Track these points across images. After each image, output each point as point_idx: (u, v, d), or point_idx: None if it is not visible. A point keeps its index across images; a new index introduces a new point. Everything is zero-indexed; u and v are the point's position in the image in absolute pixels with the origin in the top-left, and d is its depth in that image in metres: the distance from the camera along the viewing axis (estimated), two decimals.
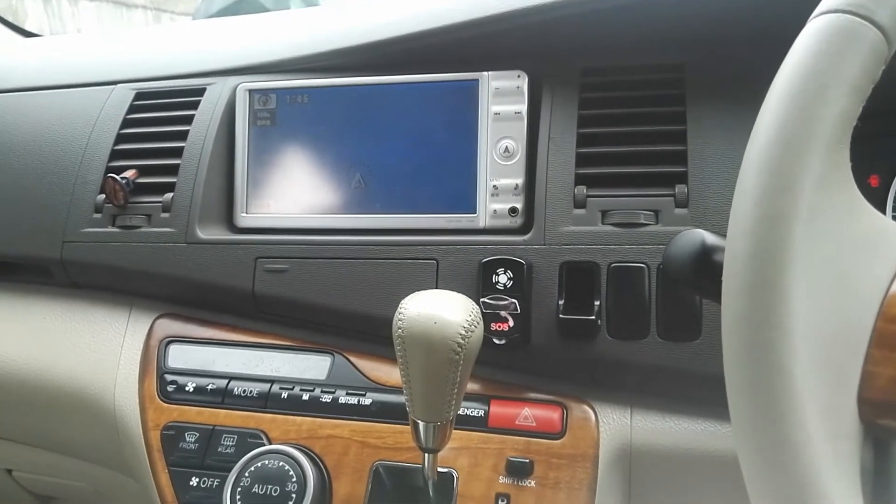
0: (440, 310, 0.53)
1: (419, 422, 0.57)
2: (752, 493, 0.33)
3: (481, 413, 0.65)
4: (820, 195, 0.34)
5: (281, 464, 0.63)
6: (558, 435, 0.64)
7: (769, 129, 0.35)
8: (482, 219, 0.72)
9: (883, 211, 0.72)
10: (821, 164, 0.34)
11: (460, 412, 0.65)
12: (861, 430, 0.33)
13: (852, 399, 0.33)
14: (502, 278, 0.65)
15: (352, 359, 0.70)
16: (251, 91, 0.79)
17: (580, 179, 0.67)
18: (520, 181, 0.71)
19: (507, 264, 0.65)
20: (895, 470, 0.36)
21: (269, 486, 0.62)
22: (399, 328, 0.53)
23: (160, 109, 0.82)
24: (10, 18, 1.30)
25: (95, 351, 0.76)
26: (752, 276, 0.34)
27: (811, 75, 0.35)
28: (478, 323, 0.54)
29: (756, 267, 0.34)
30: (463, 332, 0.52)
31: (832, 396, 0.33)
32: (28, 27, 1.35)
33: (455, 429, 0.65)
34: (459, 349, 0.52)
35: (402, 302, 0.54)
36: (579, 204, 0.66)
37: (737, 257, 0.34)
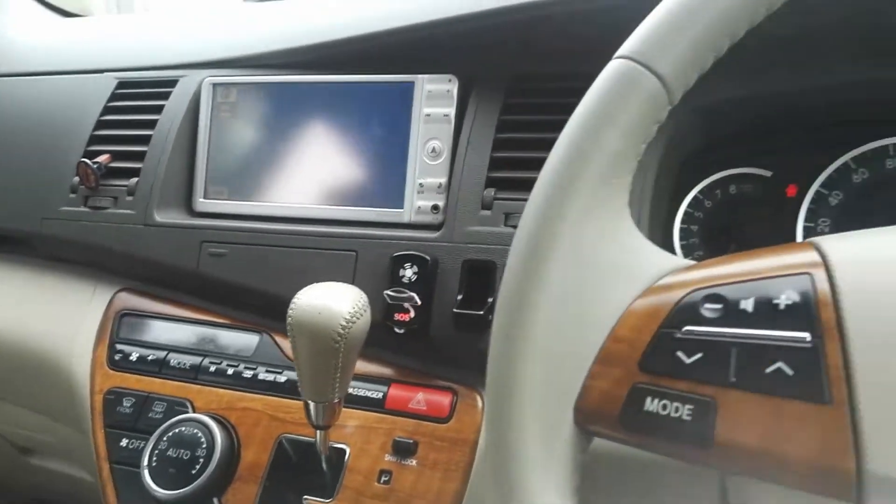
0: (327, 301, 0.57)
1: (309, 401, 0.62)
2: (488, 478, 0.37)
3: (380, 395, 0.70)
4: (581, 227, 0.37)
5: (195, 431, 0.69)
6: (445, 419, 0.67)
7: (549, 163, 0.38)
8: (408, 214, 0.75)
9: (795, 218, 0.72)
10: (585, 198, 0.37)
11: (361, 393, 0.70)
12: (575, 433, 0.36)
13: (570, 407, 0.36)
14: (408, 272, 0.69)
15: (277, 339, 0.76)
16: (215, 84, 0.85)
17: (491, 182, 0.70)
18: (443, 180, 0.74)
19: (414, 259, 0.69)
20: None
21: (182, 451, 0.68)
22: (290, 317, 0.58)
23: (137, 98, 0.89)
24: None
25: (61, 319, 0.84)
26: (510, 296, 0.37)
27: (590, 116, 0.38)
28: (361, 314, 0.58)
29: (515, 288, 0.37)
30: (344, 323, 0.56)
31: (554, 404, 0.36)
32: None
33: (355, 408, 0.70)
34: (339, 338, 0.56)
35: (298, 293, 0.58)
36: (486, 205, 0.69)
37: (506, 278, 0.38)
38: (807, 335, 0.32)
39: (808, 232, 0.72)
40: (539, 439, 0.35)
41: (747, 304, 0.35)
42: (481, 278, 0.68)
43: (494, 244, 0.68)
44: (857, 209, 0.71)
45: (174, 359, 0.77)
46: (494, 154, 0.71)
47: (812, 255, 0.35)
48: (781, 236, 0.72)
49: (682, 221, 0.76)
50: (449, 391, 0.68)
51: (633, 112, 0.37)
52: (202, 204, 0.85)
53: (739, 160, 0.75)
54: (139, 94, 0.89)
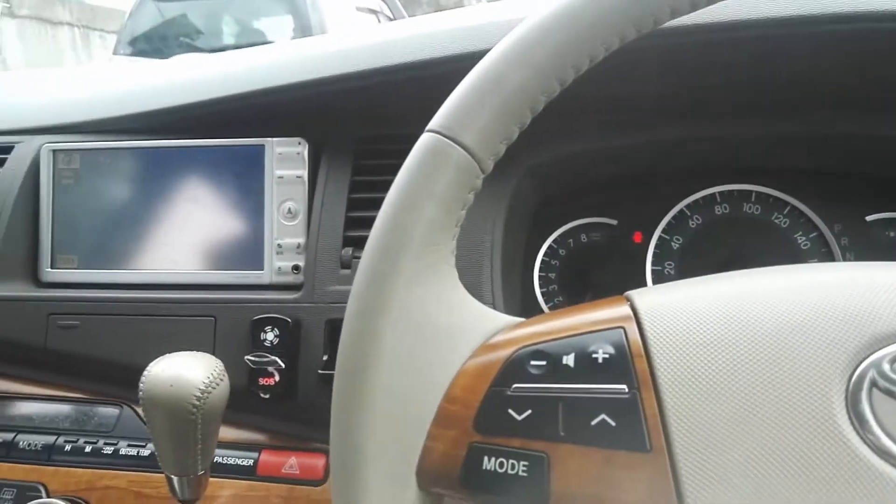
0: (179, 371, 0.57)
1: (171, 476, 0.61)
2: None
3: (251, 462, 0.70)
4: (409, 291, 0.40)
5: None
6: (320, 481, 0.68)
7: (372, 234, 0.41)
8: (268, 275, 0.76)
9: (644, 262, 0.80)
10: (410, 264, 0.40)
11: (231, 462, 0.70)
12: (421, 496, 0.39)
13: (412, 471, 0.39)
14: (269, 335, 0.70)
15: (138, 411, 0.74)
16: (55, 151, 0.82)
17: (348, 241, 0.72)
18: (301, 240, 0.76)
19: (275, 322, 0.70)
20: None
21: None
22: (141, 391, 0.57)
23: None
24: None
25: None
26: (344, 363, 0.39)
27: (405, 188, 0.40)
28: (217, 383, 0.58)
29: (349, 355, 0.39)
30: (198, 394, 0.56)
31: (398, 469, 0.38)
32: None
33: (226, 478, 0.69)
34: (195, 409, 0.56)
35: (149, 365, 0.58)
36: (345, 265, 0.71)
37: (340, 347, 0.40)
38: (624, 387, 0.36)
39: (656, 275, 0.80)
40: None
41: (569, 360, 0.38)
42: None
43: None
44: (697, 251, 0.79)
45: (23, 440, 0.73)
46: (349, 214, 0.73)
47: (625, 309, 0.40)
48: (633, 279, 0.79)
49: (540, 270, 0.81)
50: (322, 453, 0.69)
51: (444, 183, 0.40)
52: (50, 274, 0.81)
53: (587, 210, 0.82)
54: None
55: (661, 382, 0.36)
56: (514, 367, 0.39)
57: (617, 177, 0.81)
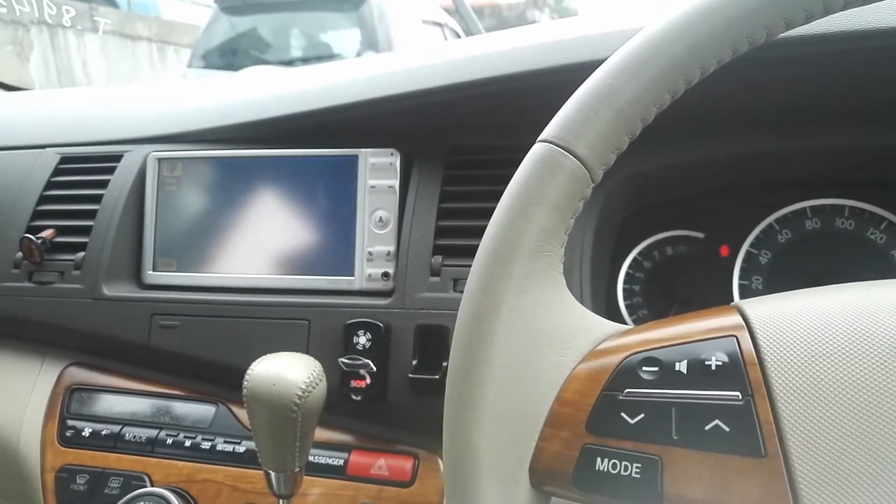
0: (281, 371, 0.60)
1: (270, 471, 0.64)
2: None
3: (341, 462, 0.72)
4: (519, 296, 0.41)
5: None
6: (408, 483, 0.70)
7: (484, 240, 0.42)
8: (358, 281, 0.79)
9: (730, 277, 0.79)
10: (521, 270, 0.41)
11: (322, 461, 0.72)
12: (532, 494, 0.40)
13: (525, 469, 0.40)
14: (362, 339, 0.72)
15: (233, 409, 0.77)
16: (160, 159, 0.87)
17: (437, 250, 0.74)
18: (392, 248, 0.78)
19: (366, 326, 0.72)
20: None
21: None
22: (245, 388, 0.60)
23: (81, 174, 0.90)
24: (15, 51, 1.36)
25: (7, 396, 0.83)
26: (457, 364, 0.41)
27: (518, 196, 0.42)
28: (317, 384, 0.61)
29: (462, 356, 0.41)
30: (300, 393, 0.59)
31: (509, 467, 0.39)
32: (33, 59, 1.41)
33: (317, 476, 0.72)
34: (296, 408, 0.59)
35: (252, 364, 0.61)
36: (435, 272, 0.73)
37: (453, 348, 0.41)
38: (738, 394, 0.37)
39: (743, 289, 0.79)
40: (498, 502, 0.39)
41: (682, 366, 0.39)
42: (434, 343, 0.71)
43: (445, 309, 0.71)
44: (785, 267, 0.78)
45: (129, 432, 0.77)
46: (439, 223, 0.75)
47: (736, 319, 0.40)
48: (719, 293, 0.79)
49: (625, 282, 0.82)
50: (410, 456, 0.71)
51: (557, 191, 0.41)
52: (151, 276, 0.86)
53: (674, 222, 0.82)
54: (83, 168, 0.90)
55: (776, 390, 0.36)
56: (626, 373, 0.40)
57: (705, 189, 0.81)
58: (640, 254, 0.82)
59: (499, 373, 0.40)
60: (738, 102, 0.72)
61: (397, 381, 0.71)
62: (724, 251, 0.81)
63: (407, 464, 0.71)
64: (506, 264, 0.41)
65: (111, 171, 0.88)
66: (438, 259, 0.74)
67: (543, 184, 0.42)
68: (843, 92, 0.70)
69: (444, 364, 0.70)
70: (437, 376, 0.69)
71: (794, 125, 0.72)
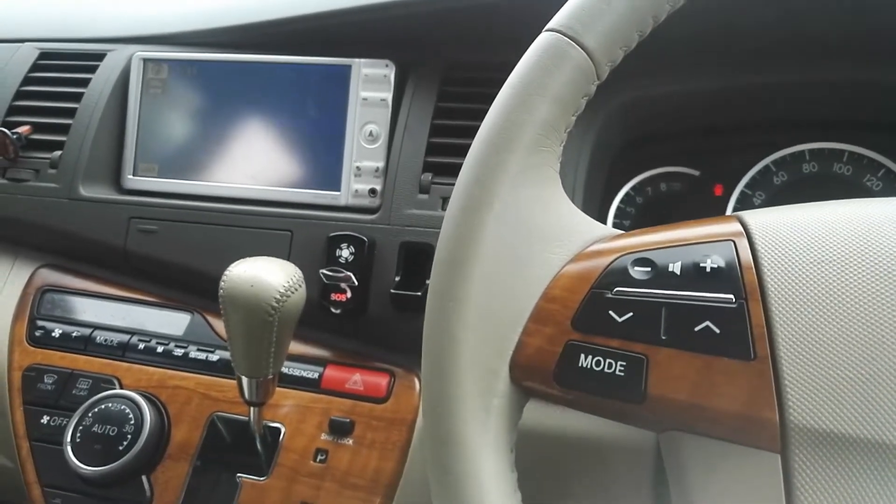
0: (260, 273, 0.58)
1: (242, 377, 0.62)
2: (423, 436, 0.39)
3: (316, 375, 0.70)
4: (514, 190, 0.39)
5: (122, 407, 0.68)
6: (382, 399, 0.69)
7: (482, 129, 0.40)
8: (344, 197, 0.76)
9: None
10: (518, 162, 0.39)
11: (296, 373, 0.71)
12: (511, 389, 0.38)
13: (505, 363, 0.38)
14: (345, 252, 0.70)
15: (208, 318, 0.75)
16: (146, 60, 0.83)
17: (428, 167, 0.72)
18: (381, 164, 0.76)
19: (350, 240, 0.70)
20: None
21: (108, 427, 0.67)
22: (222, 289, 0.58)
23: (60, 70, 0.86)
24: None
25: None
26: (445, 255, 0.39)
27: (520, 85, 0.40)
28: (296, 289, 0.59)
29: (449, 248, 0.39)
30: (278, 296, 0.57)
31: (490, 361, 0.38)
32: None
33: (290, 388, 0.70)
34: (273, 311, 0.57)
35: (230, 266, 0.59)
36: (423, 189, 0.71)
37: (441, 238, 0.40)
38: (731, 296, 0.36)
39: None
40: (476, 395, 0.37)
41: (675, 268, 0.38)
42: (418, 261, 0.69)
43: (432, 227, 0.70)
44: None
45: (100, 335, 0.75)
46: (431, 140, 0.73)
47: (735, 226, 0.39)
48: None
49: (615, 217, 0.80)
50: (386, 372, 0.70)
51: (561, 83, 0.39)
52: (131, 181, 0.83)
53: (669, 159, 0.80)
54: (63, 65, 0.87)
55: (770, 294, 0.35)
56: (617, 272, 0.39)
57: (703, 126, 0.79)
58: (633, 188, 0.81)
59: (486, 266, 0.38)
60: (742, 32, 0.70)
61: (378, 297, 0.70)
62: (719, 190, 0.79)
63: (382, 380, 0.69)
64: (502, 154, 0.39)
65: (93, 69, 0.85)
66: (428, 176, 0.71)
67: (547, 74, 0.39)
68: (851, 24, 0.67)
69: (427, 282, 0.68)
70: (419, 293, 0.67)
71: (798, 56, 0.70)
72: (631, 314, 0.37)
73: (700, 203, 0.79)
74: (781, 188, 0.78)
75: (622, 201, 0.81)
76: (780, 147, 0.78)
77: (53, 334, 0.76)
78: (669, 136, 0.79)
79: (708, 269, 0.37)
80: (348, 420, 0.67)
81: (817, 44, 0.69)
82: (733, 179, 0.79)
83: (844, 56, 0.69)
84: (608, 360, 0.37)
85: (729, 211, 0.78)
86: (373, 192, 0.76)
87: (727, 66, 0.71)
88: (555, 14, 0.41)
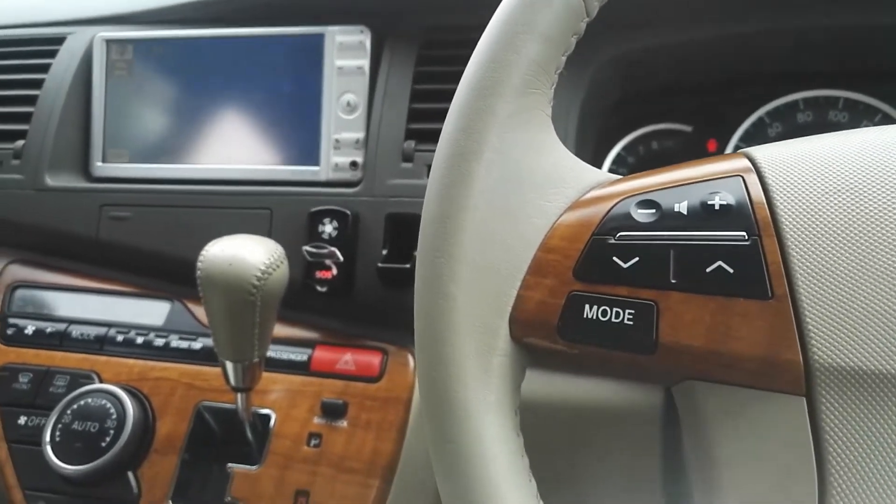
0: (239, 251, 0.55)
1: (226, 362, 0.59)
2: (421, 402, 0.36)
3: (304, 357, 0.67)
4: (504, 136, 0.36)
5: (103, 402, 0.65)
6: (375, 378, 0.66)
7: (466, 73, 0.37)
8: (324, 171, 0.73)
9: None
10: (506, 106, 0.36)
11: (284, 356, 0.68)
12: (513, 347, 0.36)
13: (505, 320, 0.35)
14: (328, 228, 0.67)
15: (189, 305, 0.72)
16: (108, 41, 0.79)
17: (410, 134, 0.69)
18: (361, 135, 0.72)
19: (333, 214, 0.67)
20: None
21: (89, 423, 0.63)
22: (199, 269, 0.55)
23: (18, 57, 0.82)
24: None
25: None
26: (433, 209, 0.36)
27: (506, 23, 0.37)
28: (278, 265, 0.56)
29: (437, 200, 0.36)
30: (259, 274, 0.54)
31: (488, 318, 0.35)
32: None
33: (279, 372, 0.67)
34: (255, 290, 0.54)
35: (207, 245, 0.56)
36: (407, 158, 0.68)
37: (428, 193, 0.37)
38: (744, 234, 0.33)
39: None
40: (475, 354, 0.34)
41: (681, 207, 0.35)
42: (405, 233, 0.67)
43: (417, 197, 0.67)
44: None
45: (76, 330, 0.72)
46: (413, 105, 0.70)
47: (742, 162, 0.36)
48: None
49: None
50: (378, 350, 0.67)
51: (548, 19, 0.36)
52: (100, 168, 0.79)
53: (661, 116, 0.77)
54: (21, 52, 0.83)
55: (785, 228, 0.33)
56: (620, 216, 0.36)
57: (694, 80, 0.76)
58: (624, 148, 0.78)
59: (478, 218, 0.35)
60: None
61: (365, 272, 0.67)
62: (712, 146, 0.77)
63: (375, 359, 0.67)
64: (489, 98, 0.36)
65: (53, 54, 0.81)
66: (411, 144, 0.68)
67: (534, 10, 0.36)
68: None
69: (415, 253, 0.65)
70: (408, 265, 0.64)
71: (790, 3, 0.68)
72: (637, 259, 0.34)
73: (693, 160, 0.77)
74: (776, 140, 0.75)
75: (614, 161, 0.78)
76: (773, 98, 0.75)
77: (26, 332, 0.72)
78: (660, 92, 0.76)
79: (717, 207, 0.34)
80: (341, 402, 0.64)
81: None
82: (726, 134, 0.76)
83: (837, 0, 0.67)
84: (615, 310, 0.34)
85: None
86: (354, 164, 0.72)
87: (717, 16, 0.68)
88: None
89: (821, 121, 0.74)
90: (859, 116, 0.73)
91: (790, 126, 0.75)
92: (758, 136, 0.75)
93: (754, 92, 0.76)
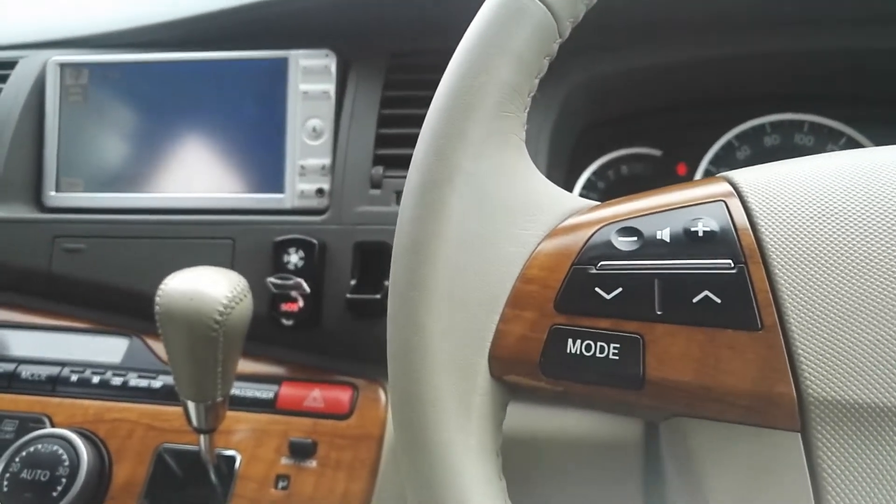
0: (199, 285, 0.52)
1: (188, 402, 0.56)
2: (397, 447, 0.34)
3: (271, 395, 0.64)
4: (478, 161, 0.35)
5: (55, 448, 0.61)
6: (345, 415, 0.63)
7: (437, 95, 0.36)
8: (289, 199, 0.71)
9: None
10: (479, 130, 0.35)
11: (249, 394, 0.65)
12: (493, 386, 0.34)
13: (484, 357, 0.33)
14: (293, 258, 0.65)
15: (148, 341, 0.69)
16: (63, 65, 0.76)
17: (378, 160, 0.67)
18: (327, 161, 0.70)
19: (299, 243, 0.65)
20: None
21: (39, 471, 0.59)
22: (157, 304, 0.52)
23: None
24: None
25: None
26: (404, 240, 0.34)
27: (477, 45, 0.35)
28: (241, 299, 0.53)
29: (409, 231, 0.34)
30: (221, 309, 0.51)
31: (466, 354, 0.33)
32: None
33: (244, 410, 0.64)
34: (217, 326, 0.51)
35: (166, 279, 0.53)
36: (375, 184, 0.66)
37: (399, 222, 0.35)
38: (729, 262, 0.32)
39: None
40: (454, 395, 0.32)
41: (664, 235, 0.33)
42: (375, 262, 0.64)
43: (387, 224, 0.65)
44: None
45: (26, 370, 0.68)
46: (380, 131, 0.68)
47: (724, 186, 0.35)
48: None
49: None
50: (348, 386, 0.64)
51: (521, 41, 0.35)
52: (53, 198, 0.76)
53: (630, 140, 0.77)
54: None
55: (771, 255, 0.31)
56: (600, 245, 0.34)
57: (663, 104, 0.76)
58: (594, 173, 0.77)
59: (452, 247, 0.33)
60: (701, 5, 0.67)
61: (334, 304, 0.64)
62: (682, 169, 0.76)
63: (344, 395, 0.64)
64: (461, 123, 0.34)
65: (3, 79, 0.78)
66: (379, 170, 0.66)
67: (506, 31, 0.35)
68: None
69: (386, 283, 0.63)
70: (378, 296, 0.62)
71: (756, 28, 0.68)
72: (620, 289, 0.33)
73: (664, 184, 0.76)
74: (745, 163, 0.75)
75: (584, 187, 0.77)
76: (741, 122, 0.75)
77: None
78: (628, 117, 0.76)
79: (700, 234, 0.33)
80: (310, 440, 0.62)
81: (774, 15, 0.67)
82: (696, 157, 0.76)
83: (803, 25, 0.67)
84: (599, 343, 0.32)
85: None
86: (320, 191, 0.70)
87: (686, 41, 0.68)
88: None
89: (787, 144, 0.74)
90: (824, 140, 0.74)
91: (758, 149, 0.75)
92: (727, 159, 0.75)
93: (722, 115, 0.76)
